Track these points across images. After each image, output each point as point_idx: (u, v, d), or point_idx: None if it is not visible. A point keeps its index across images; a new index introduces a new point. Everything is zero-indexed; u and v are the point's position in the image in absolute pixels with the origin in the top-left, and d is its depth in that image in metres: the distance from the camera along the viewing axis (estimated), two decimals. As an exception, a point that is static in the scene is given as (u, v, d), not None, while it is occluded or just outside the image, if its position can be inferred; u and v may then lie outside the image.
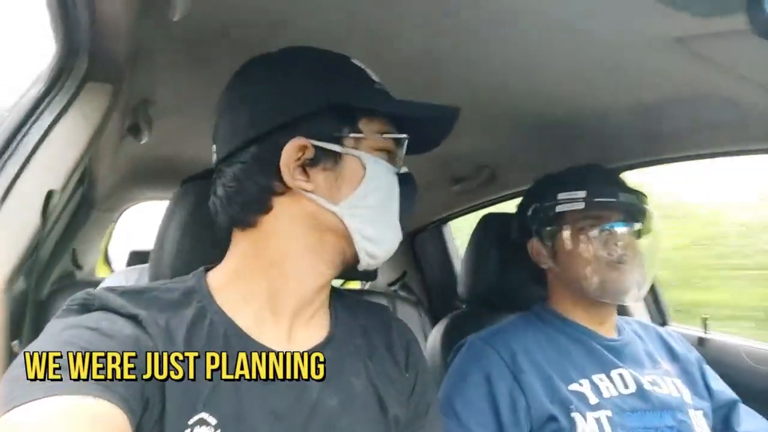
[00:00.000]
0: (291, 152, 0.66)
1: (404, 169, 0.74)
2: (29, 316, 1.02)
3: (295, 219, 0.68)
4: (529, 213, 1.14)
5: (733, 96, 0.97)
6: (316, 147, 0.66)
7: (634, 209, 1.06)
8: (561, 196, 1.07)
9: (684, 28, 0.77)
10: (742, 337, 1.52)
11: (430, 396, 0.80)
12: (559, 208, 1.07)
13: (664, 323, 1.71)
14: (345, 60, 0.72)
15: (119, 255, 3.19)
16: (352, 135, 0.68)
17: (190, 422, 0.57)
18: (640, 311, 1.69)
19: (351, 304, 0.81)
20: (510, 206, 1.90)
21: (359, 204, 0.67)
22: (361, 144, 0.69)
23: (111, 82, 0.99)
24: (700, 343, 1.52)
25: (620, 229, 1.04)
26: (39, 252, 0.95)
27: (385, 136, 0.71)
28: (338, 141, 0.67)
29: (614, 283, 1.02)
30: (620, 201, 1.03)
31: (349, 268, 0.72)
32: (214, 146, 0.72)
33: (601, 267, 1.03)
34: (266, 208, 0.67)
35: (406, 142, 0.72)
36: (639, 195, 1.06)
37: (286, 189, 0.67)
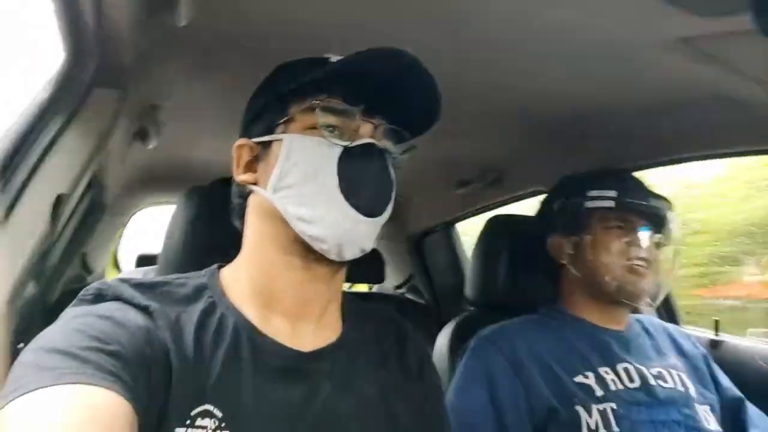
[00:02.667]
0: (236, 154, 0.72)
1: (362, 141, 0.66)
2: (39, 320, 1.03)
3: (254, 213, 0.71)
4: (555, 208, 1.14)
5: (740, 96, 0.97)
6: (255, 143, 0.70)
7: (661, 215, 1.06)
8: (592, 192, 1.07)
9: (689, 28, 0.77)
10: (754, 340, 1.51)
11: (441, 411, 0.79)
12: (588, 204, 1.07)
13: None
14: (313, 59, 0.72)
15: (128, 259, 3.21)
16: (280, 121, 0.69)
17: (193, 413, 0.57)
18: (649, 314, 1.68)
19: (365, 310, 0.80)
20: (516, 208, 1.89)
21: (281, 184, 0.66)
22: (290, 127, 0.68)
23: (118, 88, 1.00)
24: (713, 345, 1.50)
25: (646, 233, 1.05)
26: (49, 256, 0.96)
27: (311, 110, 0.66)
28: (270, 131, 0.69)
29: (634, 286, 1.03)
30: (650, 205, 1.04)
31: (314, 255, 0.67)
32: None
33: (623, 268, 1.03)
34: (244, 207, 0.73)
35: (357, 109, 0.67)
36: (666, 202, 1.07)
37: (247, 189, 0.72)
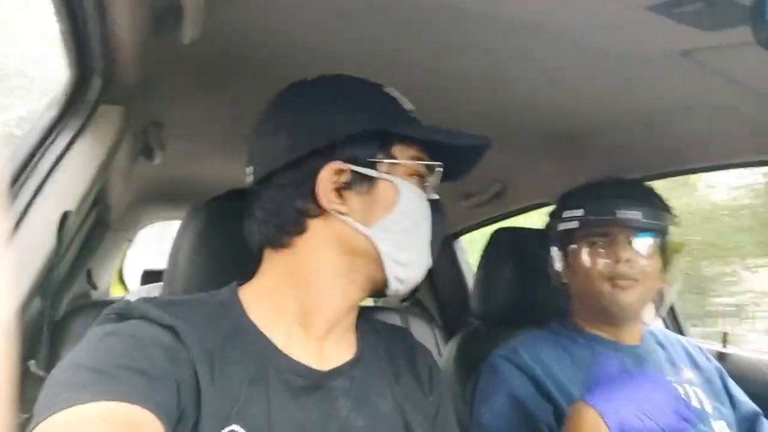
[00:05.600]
0: (327, 176, 0.67)
1: (435, 196, 0.74)
2: (46, 336, 1.03)
3: (329, 241, 0.68)
4: (548, 227, 1.14)
5: (742, 108, 0.97)
6: (351, 171, 0.68)
7: (639, 225, 1.00)
8: (564, 214, 1.06)
9: (690, 41, 0.77)
10: (763, 352, 1.50)
11: (452, 422, 0.80)
12: (560, 227, 1.07)
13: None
14: (379, 88, 0.74)
15: (134, 274, 3.22)
16: (386, 160, 0.69)
17: None
18: (655, 325, 1.67)
19: (374, 325, 0.81)
20: (521, 220, 1.89)
21: (392, 228, 0.68)
22: (395, 169, 0.70)
23: (123, 105, 1.01)
24: (721, 358, 1.49)
25: (622, 248, 0.99)
26: (55, 272, 0.96)
27: (418, 162, 0.72)
28: (373, 166, 0.68)
29: (619, 303, 0.99)
30: (618, 218, 0.99)
31: (378, 292, 0.73)
32: (249, 168, 0.74)
33: (604, 286, 1.00)
34: (301, 230, 0.68)
35: (441, 169, 0.73)
36: (650, 210, 1.01)
37: (321, 212, 0.68)
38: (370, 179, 0.68)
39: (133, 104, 1.02)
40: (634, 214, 0.99)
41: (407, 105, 0.75)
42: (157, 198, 2.27)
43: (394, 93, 0.75)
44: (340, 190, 0.68)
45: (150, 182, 1.93)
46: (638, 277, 0.99)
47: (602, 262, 1.01)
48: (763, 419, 1.07)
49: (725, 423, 1.01)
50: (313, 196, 0.67)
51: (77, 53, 0.90)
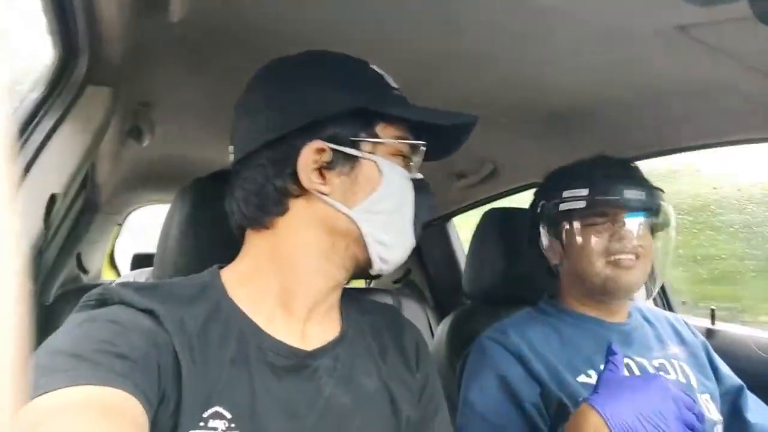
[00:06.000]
0: (308, 155, 0.66)
1: (419, 176, 0.74)
2: (36, 320, 1.03)
3: (310, 222, 0.68)
4: (538, 210, 1.14)
5: (739, 84, 0.97)
6: (333, 150, 0.67)
7: (641, 206, 1.03)
8: (565, 193, 1.06)
9: (686, 16, 0.76)
10: (750, 328, 1.52)
11: (439, 398, 0.80)
12: (562, 207, 1.06)
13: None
14: (364, 65, 0.73)
15: (124, 258, 3.20)
16: (369, 139, 0.68)
17: (205, 415, 0.58)
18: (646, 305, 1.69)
19: (360, 303, 0.81)
20: (514, 200, 1.89)
21: (374, 208, 0.68)
22: (378, 149, 0.69)
23: (111, 85, 0.99)
24: (709, 335, 1.51)
25: (625, 228, 1.02)
26: (43, 256, 0.95)
27: (401, 141, 0.71)
28: (355, 145, 0.68)
29: (618, 281, 1.01)
30: (625, 198, 1.01)
31: (361, 272, 0.72)
32: (231, 147, 0.72)
33: (605, 264, 1.02)
34: (282, 210, 0.68)
35: (424, 149, 0.72)
36: (649, 190, 1.03)
37: (302, 192, 0.67)
38: (353, 159, 0.67)
39: (120, 84, 1.00)
40: (639, 195, 1.01)
41: (392, 83, 0.74)
42: (147, 180, 2.25)
43: (380, 70, 0.74)
44: (321, 169, 0.67)
45: (139, 164, 1.91)
46: (640, 257, 1.01)
47: (604, 242, 1.02)
48: (747, 392, 1.10)
49: (710, 396, 1.03)
50: (294, 175, 0.66)
51: (62, 31, 0.88)
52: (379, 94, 0.71)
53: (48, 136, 0.93)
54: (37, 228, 0.89)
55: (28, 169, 0.90)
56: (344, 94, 0.68)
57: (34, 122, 0.94)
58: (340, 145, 0.67)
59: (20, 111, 0.95)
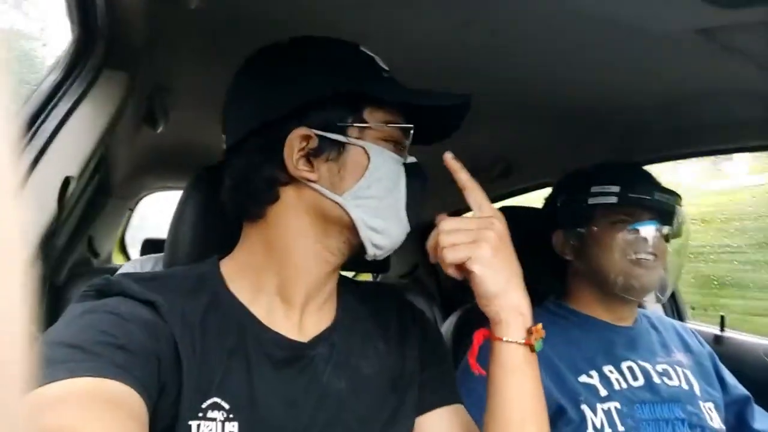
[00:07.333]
0: (294, 142, 0.65)
1: (411, 159, 0.72)
2: (46, 302, 1.04)
3: (300, 209, 0.68)
4: (559, 204, 1.13)
5: (758, 89, 0.95)
6: (319, 137, 0.66)
7: (667, 209, 1.04)
8: (594, 188, 1.06)
9: (707, 19, 0.76)
10: (759, 336, 1.50)
11: (447, 370, 0.80)
12: (591, 201, 1.06)
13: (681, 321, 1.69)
14: (354, 48, 0.71)
15: (135, 243, 3.22)
16: (356, 124, 0.67)
17: (204, 405, 0.58)
18: (656, 309, 1.67)
19: (358, 290, 0.81)
20: (523, 200, 1.88)
21: (363, 194, 0.67)
22: (366, 134, 0.68)
23: (127, 70, 0.99)
24: (717, 341, 1.49)
25: (651, 229, 1.03)
26: (56, 238, 0.96)
27: (390, 125, 0.69)
28: (342, 131, 0.67)
29: (640, 280, 1.02)
30: (654, 199, 1.02)
31: (356, 257, 0.72)
32: (224, 137, 0.72)
33: (628, 264, 1.02)
34: (272, 199, 0.68)
35: (412, 131, 0.70)
36: (673, 195, 1.04)
37: (290, 179, 0.67)
38: (340, 145, 0.66)
39: (137, 70, 1.00)
40: (668, 198, 1.03)
41: (383, 65, 0.72)
42: (160, 166, 2.25)
43: (370, 53, 0.72)
44: (309, 156, 0.66)
45: (153, 149, 1.91)
46: (658, 258, 1.02)
47: (630, 240, 1.03)
48: (753, 403, 1.09)
49: (713, 404, 1.03)
50: (282, 163, 0.66)
51: (81, 15, 0.89)
52: (366, 77, 0.69)
53: (64, 119, 0.93)
54: (51, 209, 0.89)
55: (43, 151, 0.90)
56: (330, 78, 0.67)
57: (51, 104, 0.94)
58: (327, 131, 0.66)
59: (37, 93, 0.96)
